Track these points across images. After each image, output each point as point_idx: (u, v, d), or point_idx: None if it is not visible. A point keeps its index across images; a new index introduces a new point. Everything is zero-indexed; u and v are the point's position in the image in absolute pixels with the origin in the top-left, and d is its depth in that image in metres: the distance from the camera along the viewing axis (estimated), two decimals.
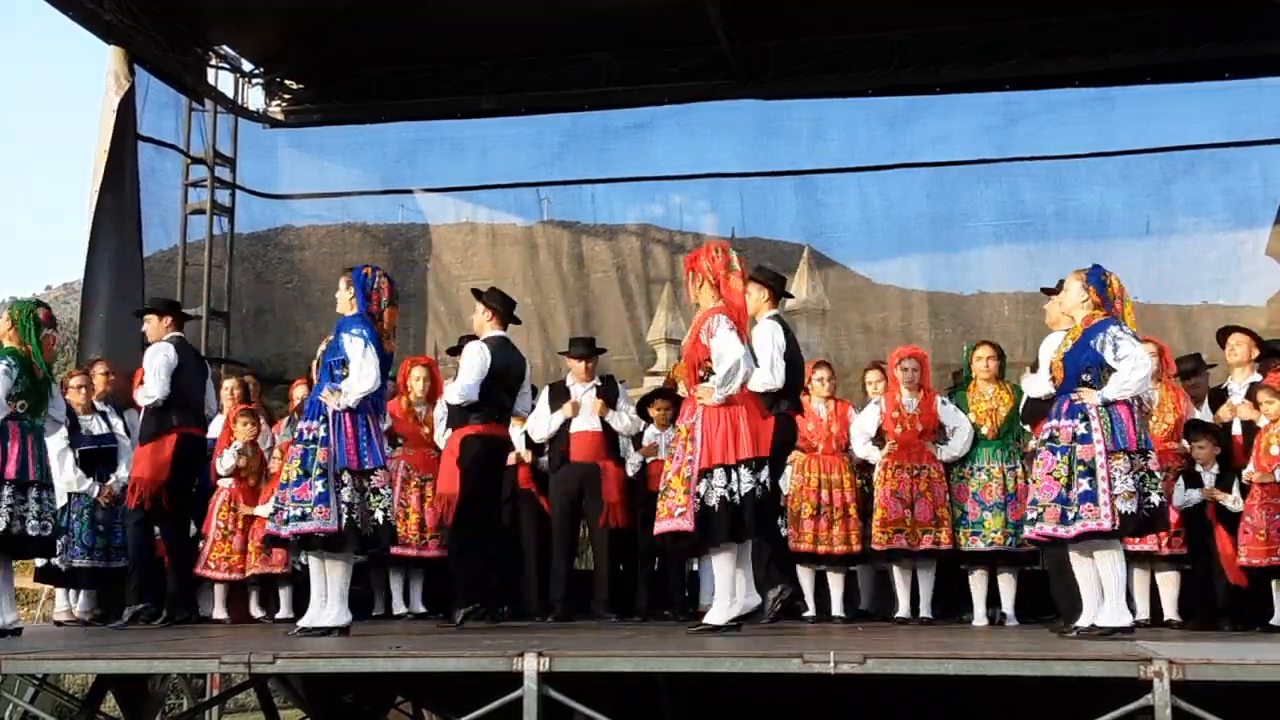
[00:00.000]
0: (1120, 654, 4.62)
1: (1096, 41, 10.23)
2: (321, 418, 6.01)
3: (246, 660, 4.98)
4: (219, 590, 7.85)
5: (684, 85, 11.04)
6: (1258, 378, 7.16)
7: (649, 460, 7.87)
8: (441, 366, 8.95)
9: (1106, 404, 5.45)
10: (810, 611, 7.74)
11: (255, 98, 11.78)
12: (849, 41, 10.66)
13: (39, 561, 7.86)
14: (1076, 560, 5.60)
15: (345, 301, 6.26)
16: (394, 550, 7.75)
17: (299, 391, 8.51)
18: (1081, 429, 5.48)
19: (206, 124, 11.14)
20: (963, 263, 11.19)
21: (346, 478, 5.92)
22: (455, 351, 8.66)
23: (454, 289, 11.93)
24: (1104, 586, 5.47)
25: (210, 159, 11.13)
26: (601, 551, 7.91)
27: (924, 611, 7.29)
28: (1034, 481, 5.64)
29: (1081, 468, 5.43)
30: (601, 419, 7.72)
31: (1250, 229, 10.45)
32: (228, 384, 8.49)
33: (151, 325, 7.50)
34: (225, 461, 7.76)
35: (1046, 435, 5.63)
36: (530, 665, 4.61)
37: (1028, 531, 5.66)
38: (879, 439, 7.43)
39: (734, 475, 5.57)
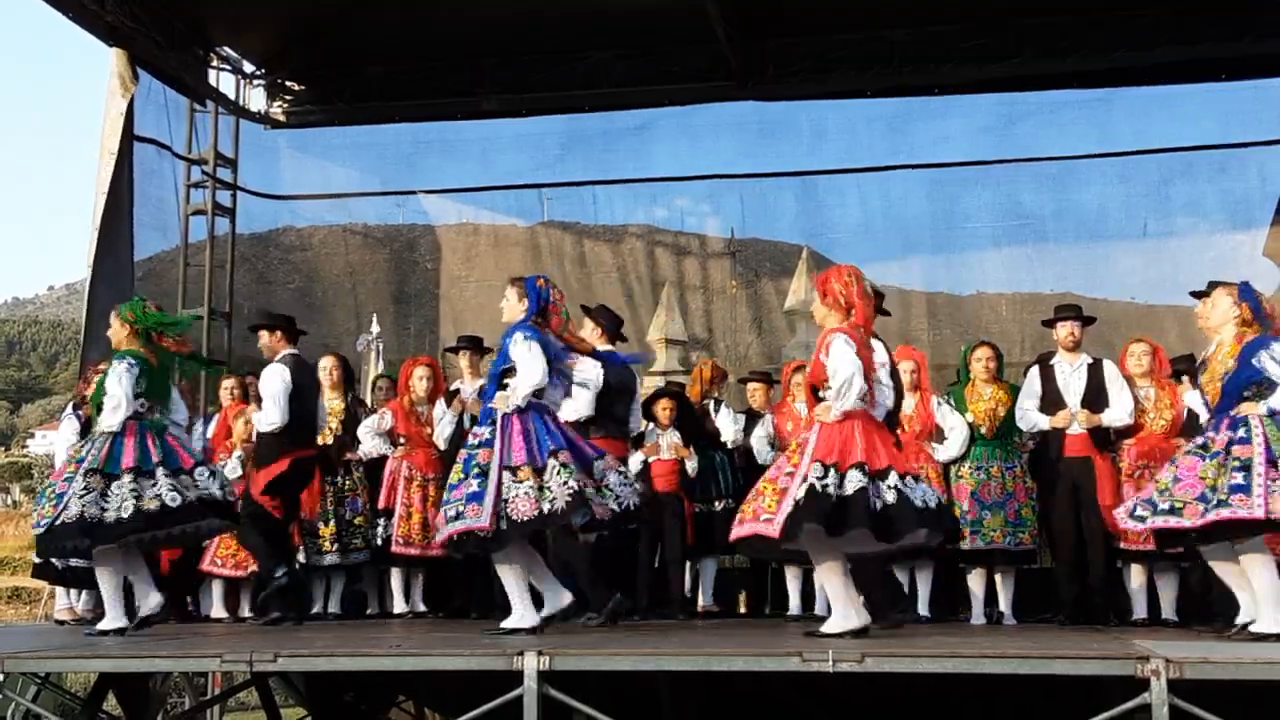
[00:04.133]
0: (1118, 652, 4.65)
1: (1096, 41, 10.22)
2: (490, 421, 5.89)
3: (248, 659, 5.00)
4: (218, 588, 7.88)
5: (684, 86, 11.05)
6: None
7: (650, 460, 7.88)
8: (444, 367, 8.99)
9: (1272, 413, 5.45)
10: (795, 610, 7.78)
11: (256, 99, 11.79)
12: (849, 41, 10.66)
13: (35, 560, 7.89)
14: (1222, 565, 5.59)
15: (516, 311, 6.09)
16: (396, 549, 7.80)
17: None
18: (1240, 434, 5.45)
19: (208, 125, 11.17)
20: (962, 263, 11.22)
21: (508, 476, 5.73)
22: (455, 351, 8.69)
23: (456, 290, 11.96)
24: (1259, 595, 5.41)
25: (212, 160, 11.16)
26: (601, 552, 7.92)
27: (922, 611, 7.31)
28: (1166, 481, 5.53)
29: (1236, 463, 5.37)
30: None
31: (1248, 230, 10.48)
32: (227, 383, 8.53)
33: (265, 340, 7.35)
34: (230, 471, 7.80)
35: (1199, 443, 5.56)
36: (530, 664, 4.63)
37: (1148, 523, 5.49)
38: None
39: (839, 475, 5.37)
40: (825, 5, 10.32)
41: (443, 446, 8.05)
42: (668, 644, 5.32)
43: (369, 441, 8.07)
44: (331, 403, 8.11)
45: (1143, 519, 5.56)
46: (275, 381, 7.10)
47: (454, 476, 5.88)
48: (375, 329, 11.86)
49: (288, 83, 11.84)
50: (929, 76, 10.73)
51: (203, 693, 9.19)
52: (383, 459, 8.10)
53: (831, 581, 5.56)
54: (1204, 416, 5.93)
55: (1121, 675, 4.42)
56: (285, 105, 11.86)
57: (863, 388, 5.53)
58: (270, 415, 7.06)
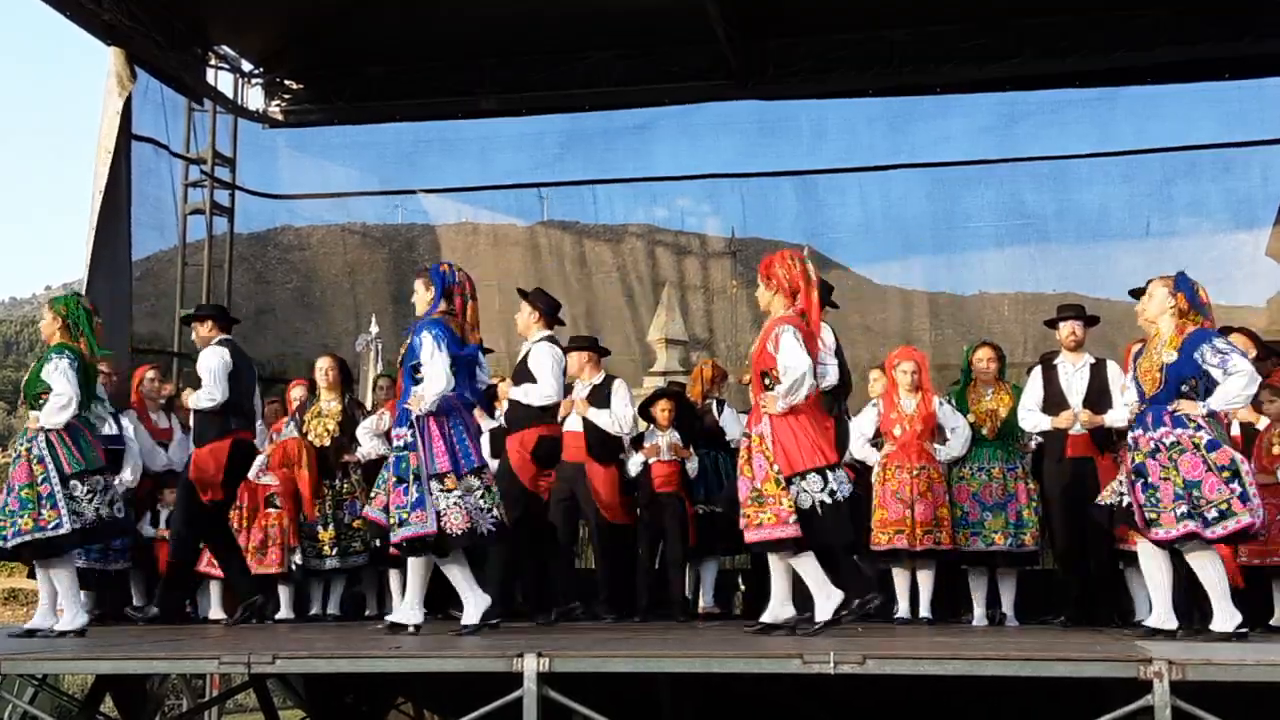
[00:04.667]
0: (1121, 654, 4.62)
1: (1097, 41, 10.22)
2: (408, 424, 5.96)
3: (246, 660, 4.97)
4: (215, 589, 7.84)
5: (684, 85, 11.04)
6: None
7: (651, 461, 7.85)
8: None
9: (1211, 414, 5.45)
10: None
11: (255, 98, 11.79)
12: (849, 41, 10.66)
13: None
14: (1152, 557, 5.61)
15: (424, 302, 6.15)
16: (395, 551, 7.76)
17: (296, 392, 8.51)
18: (1206, 436, 5.44)
19: (206, 124, 11.14)
20: (963, 263, 11.21)
21: (435, 485, 5.84)
22: None
23: None
24: (1211, 593, 5.47)
25: (210, 159, 11.13)
26: (601, 551, 7.91)
27: (924, 612, 7.28)
28: (1171, 483, 5.46)
29: (1227, 474, 5.39)
30: (583, 418, 7.72)
31: (1250, 230, 10.47)
32: None
33: (199, 331, 7.39)
34: None
35: (1169, 441, 5.49)
36: (530, 666, 4.61)
37: (1177, 529, 5.42)
38: (877, 440, 7.44)
39: (830, 477, 5.59)
40: (825, 5, 10.30)
41: None
42: (668, 646, 5.30)
43: (368, 442, 8.03)
44: (329, 404, 8.08)
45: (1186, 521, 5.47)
46: (214, 359, 7.11)
47: (390, 479, 5.95)
48: (374, 329, 11.82)
49: (286, 82, 11.82)
50: (929, 76, 10.73)
51: (201, 694, 9.17)
52: (381, 460, 8.06)
53: (809, 569, 5.69)
54: (1131, 397, 5.88)
55: (1124, 677, 4.39)
56: (284, 104, 11.84)
57: (812, 384, 5.63)
58: (210, 392, 7.04)
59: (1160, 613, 5.62)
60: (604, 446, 7.67)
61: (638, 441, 7.93)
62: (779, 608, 5.94)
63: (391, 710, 9.07)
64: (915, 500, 7.17)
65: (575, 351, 7.87)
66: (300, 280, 12.22)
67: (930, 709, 5.82)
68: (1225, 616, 5.43)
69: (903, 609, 7.31)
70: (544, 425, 6.92)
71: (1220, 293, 10.39)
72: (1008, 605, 7.29)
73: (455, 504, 5.85)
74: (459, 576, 6.00)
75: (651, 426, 7.93)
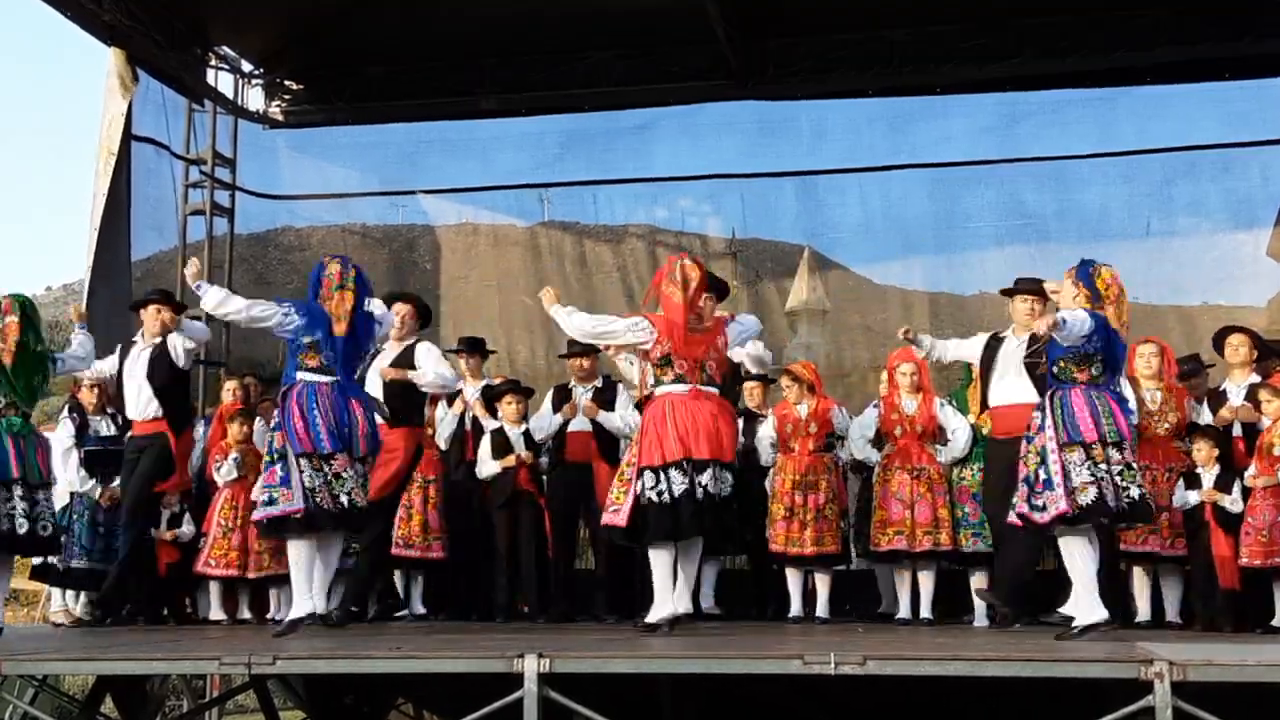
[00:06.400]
0: (1122, 655, 4.62)
1: (1096, 41, 10.23)
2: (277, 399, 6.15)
3: (246, 661, 4.97)
4: (215, 590, 7.84)
5: (684, 86, 11.04)
6: (1257, 379, 7.13)
7: None
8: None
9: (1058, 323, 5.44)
10: (796, 611, 7.75)
11: (255, 98, 11.78)
12: (849, 41, 10.66)
13: (34, 560, 7.85)
14: (1071, 543, 5.63)
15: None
16: (396, 551, 7.76)
17: None
18: (1038, 418, 5.60)
19: (206, 125, 11.14)
20: (964, 263, 11.19)
21: (303, 463, 5.88)
22: (455, 352, 8.67)
23: (455, 291, 11.93)
24: (1076, 580, 5.50)
25: (210, 160, 11.13)
26: (602, 552, 7.91)
27: (924, 612, 7.28)
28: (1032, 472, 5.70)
29: (1038, 458, 5.54)
30: (592, 419, 7.73)
31: (1250, 230, 10.47)
32: (228, 385, 8.50)
33: (156, 315, 7.41)
34: (226, 473, 7.77)
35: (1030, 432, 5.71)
36: (531, 666, 4.60)
37: (1010, 516, 5.79)
38: (878, 440, 7.44)
39: (666, 477, 5.73)
40: (825, 5, 10.31)
41: (444, 447, 8.04)
42: (668, 646, 5.29)
43: None
44: None
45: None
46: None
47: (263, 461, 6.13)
48: None
49: (287, 82, 11.82)
50: (929, 76, 10.73)
51: (201, 695, 9.16)
52: None
53: (660, 570, 5.82)
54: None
55: (1125, 678, 4.39)
56: (284, 105, 11.84)
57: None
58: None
59: (1081, 601, 5.52)
60: (612, 447, 7.74)
61: None
62: (660, 607, 5.94)
63: (391, 710, 9.07)
64: (916, 501, 7.17)
65: (578, 357, 7.90)
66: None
67: (930, 710, 5.82)
68: (1087, 608, 5.43)
69: (903, 610, 7.31)
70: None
71: (1220, 293, 10.44)
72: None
73: (325, 485, 5.89)
74: (302, 568, 6.01)
75: None
